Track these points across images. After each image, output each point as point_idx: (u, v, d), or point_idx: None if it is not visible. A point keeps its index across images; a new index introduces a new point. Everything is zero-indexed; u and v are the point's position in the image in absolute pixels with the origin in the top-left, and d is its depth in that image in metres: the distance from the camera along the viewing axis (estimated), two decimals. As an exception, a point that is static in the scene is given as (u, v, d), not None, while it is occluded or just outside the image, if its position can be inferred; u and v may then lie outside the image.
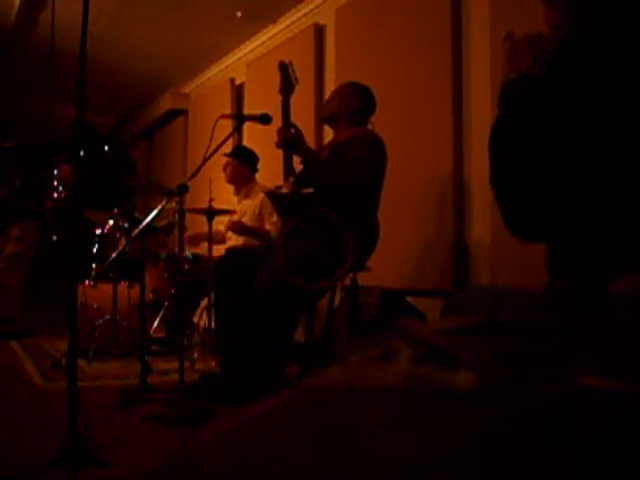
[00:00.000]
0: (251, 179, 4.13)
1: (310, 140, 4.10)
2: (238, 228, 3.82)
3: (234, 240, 3.97)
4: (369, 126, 2.83)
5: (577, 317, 0.86)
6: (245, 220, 4.01)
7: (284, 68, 2.64)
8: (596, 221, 0.96)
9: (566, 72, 1.01)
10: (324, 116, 2.91)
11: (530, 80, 1.05)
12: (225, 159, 4.09)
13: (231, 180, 4.13)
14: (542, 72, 1.03)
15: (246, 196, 4.10)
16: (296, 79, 2.64)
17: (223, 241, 4.08)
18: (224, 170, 4.10)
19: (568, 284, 1.00)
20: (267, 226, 3.90)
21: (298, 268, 2.37)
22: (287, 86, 2.63)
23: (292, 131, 2.58)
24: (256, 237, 3.73)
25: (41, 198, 4.99)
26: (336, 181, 2.56)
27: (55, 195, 5.00)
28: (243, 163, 4.06)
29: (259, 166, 4.23)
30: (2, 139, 4.85)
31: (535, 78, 1.04)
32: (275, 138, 2.60)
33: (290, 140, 2.56)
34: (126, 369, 3.32)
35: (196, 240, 4.14)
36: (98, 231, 4.03)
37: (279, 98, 2.64)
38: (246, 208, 4.05)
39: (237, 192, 4.17)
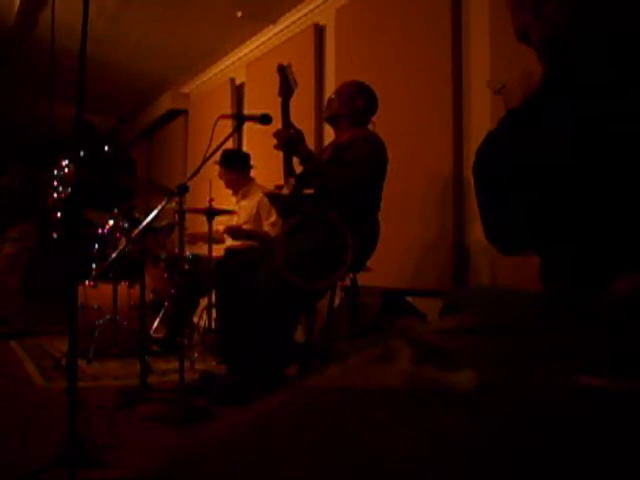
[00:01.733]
0: (246, 180, 4.12)
1: (310, 140, 4.10)
2: (235, 233, 3.82)
3: (231, 240, 3.97)
4: (370, 126, 2.83)
5: (576, 317, 0.86)
6: (240, 220, 4.01)
7: (283, 71, 2.62)
8: (594, 222, 0.96)
9: (550, 102, 1.01)
10: (326, 115, 2.90)
11: (514, 114, 1.06)
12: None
13: (226, 186, 4.15)
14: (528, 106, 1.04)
15: (244, 196, 4.10)
16: (295, 81, 2.62)
17: (222, 241, 4.08)
18: (219, 177, 4.12)
19: (565, 291, 1.00)
20: (265, 226, 3.90)
21: (298, 268, 2.37)
22: (286, 89, 2.62)
23: (292, 132, 2.57)
24: (254, 240, 3.73)
25: (41, 198, 5.00)
26: (339, 182, 2.56)
27: (55, 195, 5.01)
28: (229, 169, 4.05)
29: (259, 164, 4.23)
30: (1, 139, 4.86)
31: (519, 112, 1.05)
32: (273, 140, 2.60)
33: (290, 140, 2.56)
34: (126, 369, 3.32)
35: (195, 239, 4.15)
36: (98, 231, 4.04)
37: (279, 100, 2.63)
38: (244, 208, 4.05)
39: (235, 193, 4.18)
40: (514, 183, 0.98)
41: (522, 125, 1.03)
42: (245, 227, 3.93)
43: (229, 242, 3.97)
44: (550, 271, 1.08)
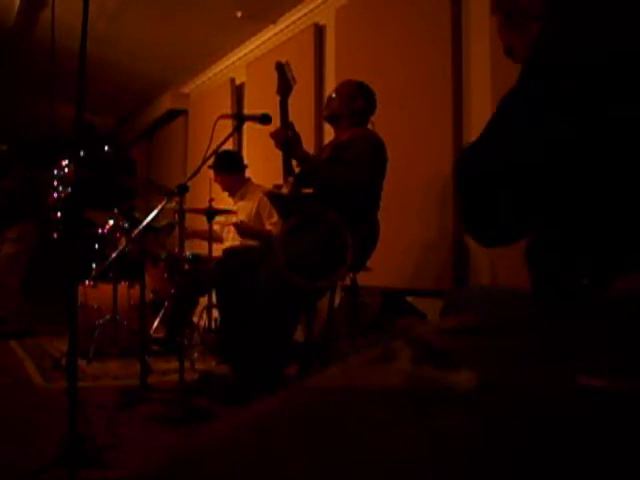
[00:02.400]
0: (242, 181, 4.11)
1: (310, 140, 4.10)
2: (242, 230, 3.81)
3: (231, 241, 3.97)
4: (369, 125, 2.83)
5: (575, 317, 0.86)
6: (241, 220, 4.01)
7: (281, 68, 2.63)
8: (593, 220, 0.96)
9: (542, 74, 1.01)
10: (326, 114, 2.91)
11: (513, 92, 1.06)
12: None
13: (224, 190, 4.13)
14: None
15: (241, 197, 4.09)
16: (294, 79, 2.62)
17: (220, 241, 4.08)
18: (223, 189, 4.12)
19: (565, 291, 0.99)
20: (267, 226, 3.89)
21: (298, 267, 2.37)
22: (284, 86, 2.62)
23: (289, 133, 2.57)
24: (259, 239, 3.72)
25: (41, 198, 4.99)
26: (337, 182, 2.56)
27: (55, 195, 5.01)
28: (225, 172, 4.04)
29: (259, 164, 4.22)
30: (1, 139, 4.85)
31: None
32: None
33: (287, 142, 2.56)
34: (126, 369, 3.33)
35: (195, 235, 4.14)
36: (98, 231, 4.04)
37: (278, 98, 2.64)
38: (242, 209, 4.05)
39: (233, 195, 4.17)
40: (504, 175, 0.98)
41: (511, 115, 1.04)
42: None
43: (228, 243, 3.97)
44: (538, 259, 1.07)
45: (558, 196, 0.95)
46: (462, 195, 1.08)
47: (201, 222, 4.03)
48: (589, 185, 0.93)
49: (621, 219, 0.94)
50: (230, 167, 4.04)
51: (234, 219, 4.06)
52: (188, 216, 4.43)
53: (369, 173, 2.60)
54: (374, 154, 2.64)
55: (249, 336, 2.51)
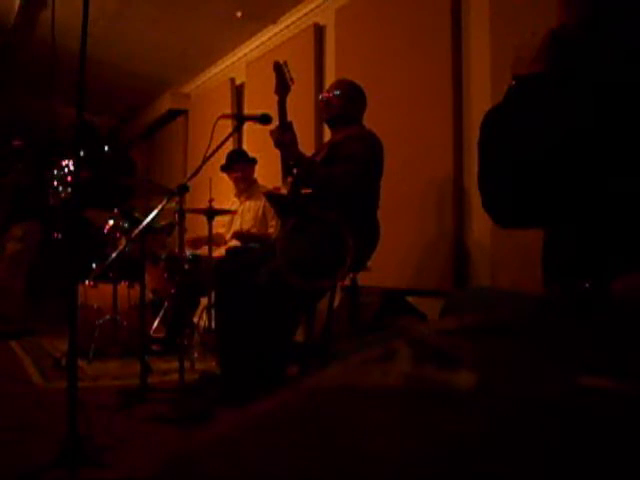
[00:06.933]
0: (251, 177, 4.14)
1: (310, 140, 4.11)
2: (242, 237, 3.82)
3: (234, 242, 3.97)
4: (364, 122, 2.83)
5: (576, 317, 0.86)
6: (246, 221, 4.01)
7: (279, 68, 2.64)
8: (596, 220, 0.96)
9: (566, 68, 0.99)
10: (328, 117, 2.87)
11: (523, 81, 1.04)
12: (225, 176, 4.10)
13: (246, 185, 4.12)
14: (535, 69, 1.02)
15: (249, 197, 4.09)
16: (291, 79, 2.63)
17: (223, 243, 4.08)
18: (237, 185, 4.11)
19: (565, 290, 0.99)
20: (270, 227, 3.90)
21: (298, 268, 2.37)
22: (282, 86, 2.63)
23: (287, 135, 2.56)
24: (259, 242, 3.72)
25: (46, 197, 5.01)
26: (332, 180, 2.56)
27: (57, 195, 5.00)
28: (247, 165, 4.07)
29: (259, 164, 4.23)
30: (6, 138, 4.86)
31: (528, 78, 1.03)
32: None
33: (283, 144, 2.56)
34: (126, 369, 3.33)
35: (197, 243, 4.14)
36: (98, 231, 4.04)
37: (276, 98, 2.64)
38: (248, 209, 4.04)
39: (240, 194, 4.16)
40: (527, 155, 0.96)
41: (534, 93, 1.01)
42: (252, 230, 3.94)
43: (231, 244, 3.97)
44: (552, 250, 1.07)
45: (568, 189, 0.94)
46: (484, 157, 1.04)
47: (201, 222, 4.03)
48: (598, 183, 0.93)
49: (623, 222, 0.94)
50: (239, 161, 4.07)
51: (239, 220, 4.06)
52: (188, 216, 4.43)
53: (364, 171, 2.59)
54: (369, 152, 2.63)
55: (249, 337, 2.51)
